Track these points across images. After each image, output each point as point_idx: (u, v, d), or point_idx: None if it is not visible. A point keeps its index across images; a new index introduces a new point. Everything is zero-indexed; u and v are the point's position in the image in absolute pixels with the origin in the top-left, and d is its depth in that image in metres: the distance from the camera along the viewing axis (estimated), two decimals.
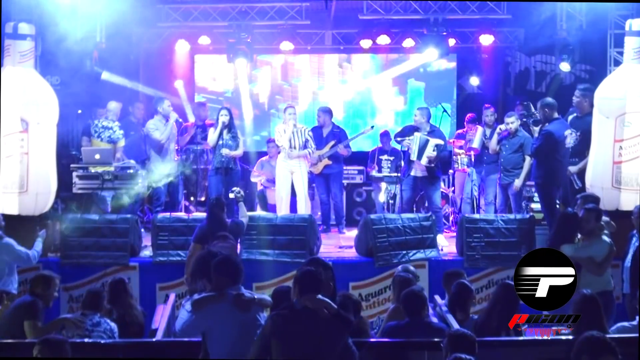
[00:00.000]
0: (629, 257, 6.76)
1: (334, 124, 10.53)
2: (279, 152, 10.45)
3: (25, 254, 7.20)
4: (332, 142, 10.23)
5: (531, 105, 9.10)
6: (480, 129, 10.01)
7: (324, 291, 4.83)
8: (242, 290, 5.08)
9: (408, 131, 9.42)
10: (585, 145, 8.68)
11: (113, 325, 5.68)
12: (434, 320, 5.67)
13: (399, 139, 9.47)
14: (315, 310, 4.55)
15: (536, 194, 9.14)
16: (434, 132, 9.37)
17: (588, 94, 8.79)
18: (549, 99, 8.66)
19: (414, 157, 9.19)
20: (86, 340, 5.37)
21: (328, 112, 10.50)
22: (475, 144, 9.90)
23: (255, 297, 5.13)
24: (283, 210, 9.55)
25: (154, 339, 5.41)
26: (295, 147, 9.49)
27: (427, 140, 9.15)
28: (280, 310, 4.64)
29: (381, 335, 5.49)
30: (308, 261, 5.65)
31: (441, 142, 9.25)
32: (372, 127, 10.99)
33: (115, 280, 6.27)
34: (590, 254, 6.65)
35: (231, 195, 7.91)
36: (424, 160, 9.12)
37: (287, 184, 9.54)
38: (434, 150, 9.11)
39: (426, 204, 9.78)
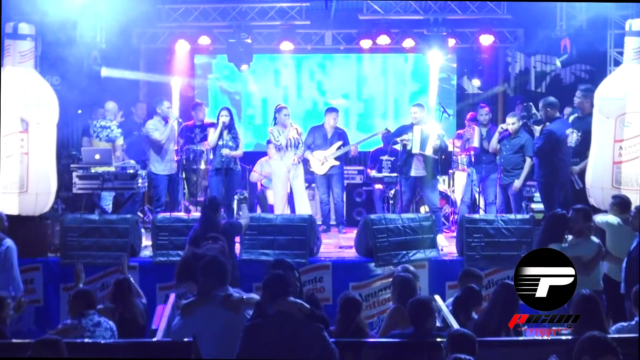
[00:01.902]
0: (626, 257, 6.76)
1: (338, 126, 10.54)
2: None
3: (17, 273, 7.12)
4: (339, 143, 10.22)
5: (532, 105, 9.09)
6: (477, 128, 10.01)
7: (292, 293, 4.80)
8: (229, 291, 5.07)
9: (404, 130, 9.41)
10: (586, 146, 8.68)
11: (112, 324, 5.67)
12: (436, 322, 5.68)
13: (396, 139, 9.44)
14: (289, 314, 4.50)
15: (537, 194, 9.15)
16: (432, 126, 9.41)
17: (589, 94, 8.79)
18: (551, 98, 8.69)
19: (415, 149, 9.15)
20: (86, 340, 5.37)
21: (336, 112, 10.52)
22: (476, 142, 9.90)
23: (244, 296, 5.10)
24: (281, 208, 9.64)
25: (154, 339, 5.41)
26: (291, 147, 9.63)
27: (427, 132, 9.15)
28: (253, 320, 4.57)
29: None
30: (273, 263, 5.60)
31: (442, 131, 9.28)
32: (386, 129, 10.98)
33: (120, 279, 6.23)
34: (578, 254, 6.57)
35: (236, 197, 7.94)
36: (429, 151, 9.10)
37: (286, 182, 9.66)
38: (437, 139, 9.10)
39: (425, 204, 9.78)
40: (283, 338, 4.44)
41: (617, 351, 4.12)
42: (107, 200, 9.68)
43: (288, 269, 5.26)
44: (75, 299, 5.78)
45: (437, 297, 6.53)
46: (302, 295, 5.28)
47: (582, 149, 8.73)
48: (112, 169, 8.95)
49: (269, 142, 11.15)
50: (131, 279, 6.47)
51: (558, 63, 10.73)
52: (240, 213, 7.89)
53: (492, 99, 12.28)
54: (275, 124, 9.77)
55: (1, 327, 5.51)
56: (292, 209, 9.92)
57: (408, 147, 9.20)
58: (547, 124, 8.59)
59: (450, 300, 6.35)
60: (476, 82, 12.22)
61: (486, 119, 9.98)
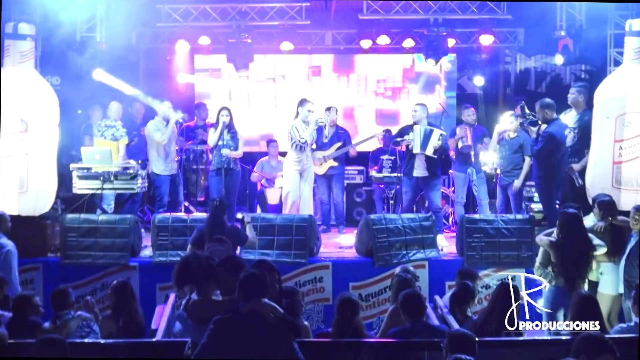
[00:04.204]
0: (624, 257, 6.77)
1: (338, 124, 10.52)
2: (279, 153, 10.42)
3: (15, 277, 7.11)
4: (339, 144, 10.20)
5: (525, 106, 9.07)
6: (467, 128, 10.02)
7: (269, 294, 4.75)
8: None
9: (406, 130, 9.39)
10: (583, 143, 8.72)
11: (89, 316, 5.67)
12: (435, 321, 5.70)
13: (398, 139, 9.41)
14: (260, 315, 4.45)
15: (536, 194, 9.15)
16: (432, 125, 9.36)
17: (583, 90, 8.90)
18: (548, 100, 8.67)
19: (417, 149, 9.10)
20: (86, 340, 5.37)
21: (335, 111, 10.49)
22: (470, 140, 9.90)
23: None
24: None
25: (154, 339, 5.42)
26: (313, 145, 9.33)
27: (431, 131, 9.11)
28: (225, 315, 4.52)
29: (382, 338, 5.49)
30: (254, 264, 5.50)
31: (444, 132, 9.27)
32: (384, 131, 10.95)
33: (119, 283, 6.22)
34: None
35: (241, 217, 7.78)
36: (430, 151, 9.07)
37: (297, 186, 9.19)
38: (439, 140, 9.08)
39: (426, 204, 9.77)
40: (250, 338, 4.38)
41: (614, 349, 4.12)
42: (110, 200, 9.68)
43: (268, 270, 5.17)
44: (51, 299, 5.77)
45: (437, 298, 6.55)
46: (281, 297, 5.20)
47: (580, 146, 8.77)
48: (112, 169, 8.95)
49: (269, 141, 11.15)
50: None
51: (559, 60, 10.62)
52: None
53: (493, 98, 12.27)
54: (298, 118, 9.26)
55: None
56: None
57: (410, 147, 9.18)
58: (545, 125, 8.58)
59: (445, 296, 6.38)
60: (479, 81, 12.17)
61: (474, 119, 10.00)
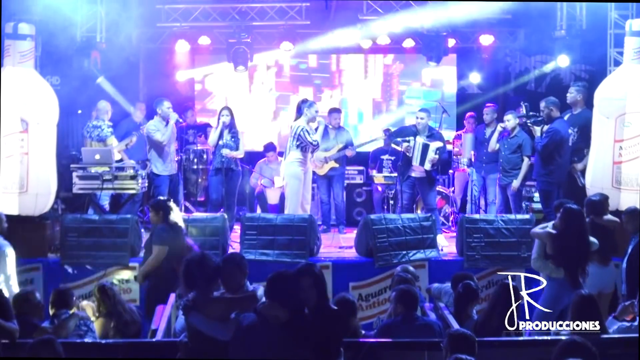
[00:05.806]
0: (626, 257, 6.77)
1: (341, 126, 10.51)
2: (280, 154, 10.38)
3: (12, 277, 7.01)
4: (340, 145, 10.17)
5: (528, 105, 9.07)
6: (468, 134, 10.02)
7: (303, 299, 4.57)
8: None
9: (406, 132, 9.37)
10: (582, 140, 8.74)
11: (86, 315, 5.68)
12: (432, 315, 5.72)
13: (399, 139, 9.39)
14: (264, 317, 4.40)
15: (536, 194, 9.15)
16: (433, 135, 9.34)
17: (582, 89, 8.93)
18: (554, 98, 8.73)
19: (415, 162, 9.13)
20: (86, 340, 5.38)
21: (339, 112, 10.47)
22: (467, 147, 9.92)
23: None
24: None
25: (154, 339, 5.42)
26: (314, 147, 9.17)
27: (427, 145, 9.09)
28: (248, 316, 4.51)
29: (378, 334, 5.49)
30: (299, 267, 5.09)
31: (441, 144, 9.24)
32: (384, 131, 10.93)
33: (98, 286, 6.25)
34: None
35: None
36: (427, 166, 9.08)
37: (300, 186, 8.98)
38: (435, 154, 9.09)
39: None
40: (262, 342, 4.35)
41: (594, 353, 4.06)
42: (104, 200, 9.66)
43: (306, 275, 4.83)
44: (52, 298, 5.80)
45: (430, 287, 6.56)
46: (323, 302, 4.83)
47: (580, 145, 8.78)
48: (112, 169, 8.94)
49: (268, 147, 11.09)
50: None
51: (566, 60, 10.47)
52: None
53: (493, 99, 12.27)
54: (297, 119, 9.03)
55: None
56: None
57: (409, 155, 9.17)
58: (550, 123, 8.61)
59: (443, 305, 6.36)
60: (475, 79, 12.17)
61: (492, 118, 10.01)
